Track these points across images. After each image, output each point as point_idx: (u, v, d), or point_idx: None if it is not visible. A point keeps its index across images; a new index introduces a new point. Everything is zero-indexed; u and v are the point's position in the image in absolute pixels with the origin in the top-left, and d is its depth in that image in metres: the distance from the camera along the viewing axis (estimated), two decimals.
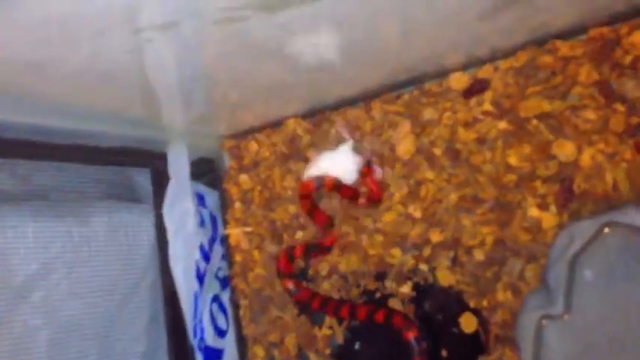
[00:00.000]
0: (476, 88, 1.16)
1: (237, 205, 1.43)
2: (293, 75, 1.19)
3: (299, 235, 1.34)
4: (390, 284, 1.23)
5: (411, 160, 1.23)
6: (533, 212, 1.10)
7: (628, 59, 1.04)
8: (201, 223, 1.38)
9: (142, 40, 0.88)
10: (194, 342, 1.30)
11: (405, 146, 1.23)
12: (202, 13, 0.83)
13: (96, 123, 1.16)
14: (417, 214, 1.21)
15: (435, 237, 1.19)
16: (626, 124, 1.04)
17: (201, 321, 1.32)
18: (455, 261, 1.18)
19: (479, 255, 1.14)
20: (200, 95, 1.19)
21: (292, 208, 1.35)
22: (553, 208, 1.08)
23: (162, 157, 1.33)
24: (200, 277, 1.33)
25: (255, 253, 1.40)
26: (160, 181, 1.33)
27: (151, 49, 0.92)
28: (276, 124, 1.38)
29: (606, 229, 0.98)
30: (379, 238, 1.24)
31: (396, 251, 1.22)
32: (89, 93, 1.01)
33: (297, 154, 1.36)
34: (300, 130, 1.35)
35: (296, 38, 1.02)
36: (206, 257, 1.36)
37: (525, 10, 1.01)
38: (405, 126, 1.24)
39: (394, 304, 1.22)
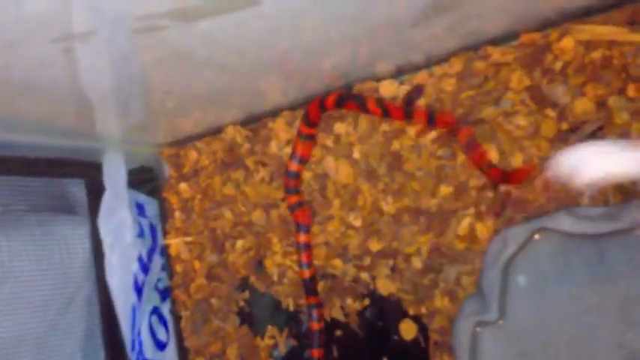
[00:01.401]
0: (414, 95, 1.16)
1: (178, 214, 1.40)
2: (228, 82, 1.17)
3: (239, 244, 1.33)
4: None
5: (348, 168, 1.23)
6: (468, 220, 1.10)
7: (558, 65, 1.05)
8: (140, 234, 1.35)
9: (59, 49, 0.85)
10: (132, 356, 1.27)
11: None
12: (120, 22, 0.81)
13: (23, 133, 1.12)
14: (357, 223, 1.21)
15: (374, 246, 1.19)
16: (557, 130, 1.05)
17: (139, 334, 1.30)
18: (394, 269, 1.18)
19: (417, 263, 1.14)
20: (135, 104, 1.16)
21: (231, 216, 1.34)
22: (487, 216, 1.09)
23: (97, 167, 1.29)
24: (138, 289, 1.30)
25: (196, 263, 1.38)
26: (96, 192, 1.29)
27: (73, 58, 0.90)
28: (216, 132, 1.36)
29: (537, 235, 0.99)
30: (323, 250, 1.24)
31: (338, 262, 1.22)
32: (8, 104, 0.98)
33: (237, 161, 1.34)
34: (239, 138, 1.33)
35: (223, 47, 1.01)
36: (145, 269, 1.33)
37: (456, 16, 1.01)
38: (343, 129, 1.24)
39: (337, 314, 1.23)
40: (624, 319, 0.93)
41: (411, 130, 1.15)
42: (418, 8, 0.97)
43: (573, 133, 1.03)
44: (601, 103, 1.02)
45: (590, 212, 0.96)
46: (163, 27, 0.82)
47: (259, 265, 1.31)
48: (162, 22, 0.81)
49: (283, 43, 1.03)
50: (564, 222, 0.96)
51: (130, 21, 0.80)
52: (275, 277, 1.28)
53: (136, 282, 1.29)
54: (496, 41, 1.11)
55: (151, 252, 1.37)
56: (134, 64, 0.99)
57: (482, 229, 1.09)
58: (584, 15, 1.04)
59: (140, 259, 1.32)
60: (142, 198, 1.41)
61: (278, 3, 0.87)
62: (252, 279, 1.31)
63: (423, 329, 1.15)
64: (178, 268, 1.39)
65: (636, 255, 0.92)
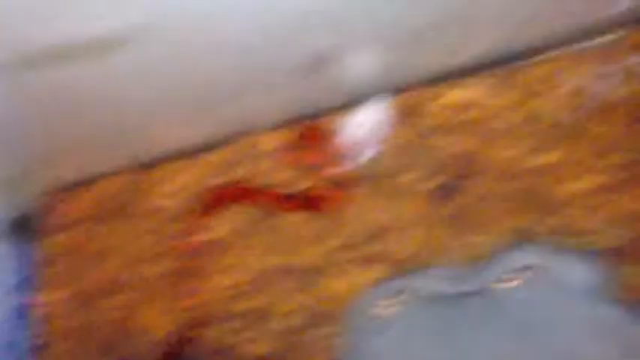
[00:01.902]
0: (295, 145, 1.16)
1: (54, 265, 1.34)
2: (111, 128, 1.16)
3: (114, 301, 1.28)
4: None
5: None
6: (338, 280, 1.09)
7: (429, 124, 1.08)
8: (8, 290, 1.29)
9: None
10: None
11: None
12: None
13: None
14: (228, 283, 1.18)
15: (245, 305, 1.16)
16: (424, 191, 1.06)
17: None
18: (264, 330, 1.14)
19: (286, 323, 1.12)
20: (7, 151, 1.13)
21: (108, 270, 1.29)
22: (356, 274, 1.08)
23: None
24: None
25: (65, 320, 1.31)
26: None
27: None
28: (97, 180, 1.33)
29: (393, 297, 0.98)
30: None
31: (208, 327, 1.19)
32: None
33: (119, 211, 1.31)
34: (121, 188, 1.31)
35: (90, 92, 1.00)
36: (11, 326, 1.27)
37: (337, 73, 1.04)
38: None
39: None
40: None
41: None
42: (298, 65, 1.00)
43: None
44: None
45: (444, 274, 0.96)
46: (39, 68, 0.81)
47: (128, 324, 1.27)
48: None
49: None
50: (419, 283, 0.96)
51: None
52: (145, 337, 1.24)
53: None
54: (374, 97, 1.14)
55: (19, 308, 1.31)
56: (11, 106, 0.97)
57: (352, 289, 1.07)
58: (453, 78, 1.07)
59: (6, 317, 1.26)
60: (15, 250, 1.36)
61: None
62: (121, 338, 1.27)
63: None
64: (49, 324, 1.32)
65: (485, 317, 0.91)
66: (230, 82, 1.06)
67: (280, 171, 1.16)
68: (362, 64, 1.04)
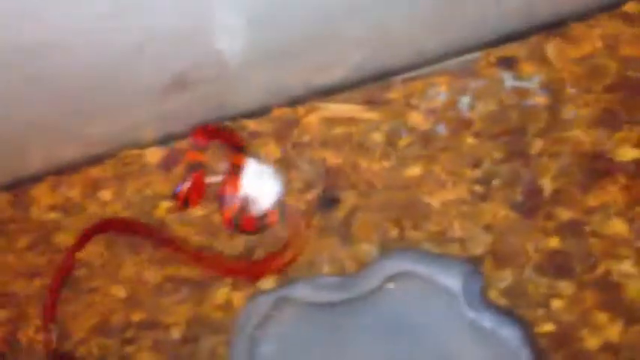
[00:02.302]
0: (171, 160, 1.18)
1: None
2: None
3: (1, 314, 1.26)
4: None
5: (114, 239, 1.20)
6: (225, 289, 1.12)
7: (305, 138, 1.12)
8: None
9: None
10: None
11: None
12: None
13: None
14: (121, 295, 1.19)
15: (137, 317, 1.17)
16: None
17: None
18: (156, 341, 1.16)
19: (176, 333, 1.14)
20: None
21: None
22: (242, 286, 1.11)
23: None
24: None
25: None
26: None
27: None
28: None
29: (279, 305, 1.02)
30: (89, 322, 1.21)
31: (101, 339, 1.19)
32: None
33: None
34: (0, 203, 1.28)
35: None
36: None
37: (203, 91, 1.06)
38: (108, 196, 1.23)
39: None
40: None
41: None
42: (160, 83, 1.01)
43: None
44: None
45: (326, 282, 1.01)
46: None
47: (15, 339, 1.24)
48: None
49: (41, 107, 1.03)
50: (303, 291, 1.00)
51: None
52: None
53: None
54: (253, 115, 1.16)
55: None
56: None
57: (239, 298, 1.12)
58: (328, 93, 1.12)
59: None
60: None
61: None
62: (8, 355, 1.24)
63: None
64: None
65: (365, 321, 0.98)
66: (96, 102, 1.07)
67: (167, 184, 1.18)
68: (236, 80, 1.08)
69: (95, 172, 1.23)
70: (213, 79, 1.05)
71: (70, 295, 1.20)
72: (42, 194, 1.25)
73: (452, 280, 0.93)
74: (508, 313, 0.94)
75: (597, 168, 0.97)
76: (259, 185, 1.11)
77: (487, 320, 0.91)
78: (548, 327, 0.96)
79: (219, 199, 1.11)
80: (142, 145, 1.21)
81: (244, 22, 0.95)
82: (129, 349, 1.17)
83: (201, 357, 1.12)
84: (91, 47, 0.92)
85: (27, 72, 0.94)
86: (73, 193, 1.23)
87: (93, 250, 1.20)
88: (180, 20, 0.91)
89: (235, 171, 1.11)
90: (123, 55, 0.96)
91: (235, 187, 1.10)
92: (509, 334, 0.90)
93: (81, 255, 1.20)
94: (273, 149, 1.13)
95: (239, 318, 1.05)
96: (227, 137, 1.15)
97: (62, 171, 1.25)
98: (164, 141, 1.20)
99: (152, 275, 1.17)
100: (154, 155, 1.20)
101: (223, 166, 1.13)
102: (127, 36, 0.92)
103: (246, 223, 1.10)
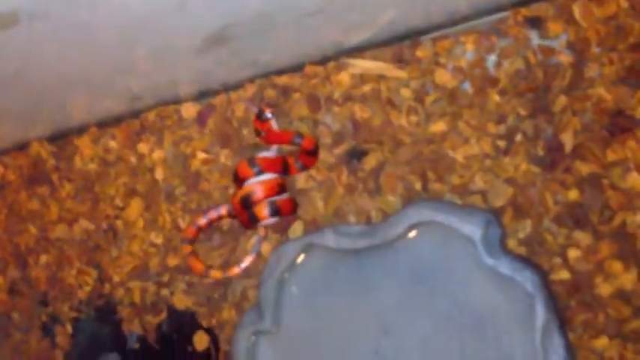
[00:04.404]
0: (205, 116, 1.23)
1: None
2: (32, 97, 1.19)
3: (43, 258, 1.33)
4: None
5: (152, 189, 1.27)
6: (255, 237, 1.17)
7: (337, 94, 1.16)
8: None
9: None
10: None
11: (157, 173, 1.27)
12: None
13: None
14: (158, 241, 1.25)
15: (172, 261, 1.24)
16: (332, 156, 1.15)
17: None
18: (190, 284, 1.23)
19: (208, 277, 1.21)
20: None
21: (35, 231, 1.34)
22: (272, 235, 1.17)
23: None
24: None
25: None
26: None
27: None
28: (22, 147, 1.36)
29: (307, 250, 1.08)
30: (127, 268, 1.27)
31: (136, 282, 1.26)
32: None
33: (42, 177, 1.35)
34: (45, 153, 1.34)
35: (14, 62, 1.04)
36: None
37: (238, 47, 1.10)
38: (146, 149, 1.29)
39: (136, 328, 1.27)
40: (380, 327, 1.04)
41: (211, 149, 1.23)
42: (198, 39, 1.05)
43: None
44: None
45: (352, 230, 1.06)
46: None
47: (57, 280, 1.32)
48: None
49: (84, 60, 1.07)
50: (329, 239, 1.06)
51: None
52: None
53: None
54: (285, 71, 1.20)
55: None
56: None
57: (266, 246, 1.17)
58: (358, 51, 1.16)
59: None
60: None
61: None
62: (53, 293, 1.32)
63: (214, 340, 1.21)
64: None
65: (388, 268, 1.03)
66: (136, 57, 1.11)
67: (202, 138, 1.24)
68: (266, 40, 1.11)
69: (134, 125, 1.29)
70: (248, 36, 1.09)
71: (111, 242, 1.28)
72: (84, 145, 1.32)
73: (472, 228, 0.97)
74: (525, 261, 0.98)
75: (618, 124, 1.00)
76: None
77: (505, 267, 0.95)
78: (564, 275, 1.00)
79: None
80: (179, 100, 1.26)
81: None
82: (164, 291, 1.25)
83: (231, 300, 1.19)
84: (135, 1, 0.97)
85: (73, 22, 0.97)
86: (114, 144, 1.30)
87: (133, 204, 1.27)
88: None
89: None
90: (164, 10, 0.99)
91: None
92: (525, 279, 0.94)
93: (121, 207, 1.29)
94: (303, 105, 1.18)
95: (268, 262, 1.10)
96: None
97: (104, 123, 1.31)
98: (200, 97, 1.26)
99: (185, 223, 1.23)
100: (189, 110, 1.25)
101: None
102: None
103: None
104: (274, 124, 1.15)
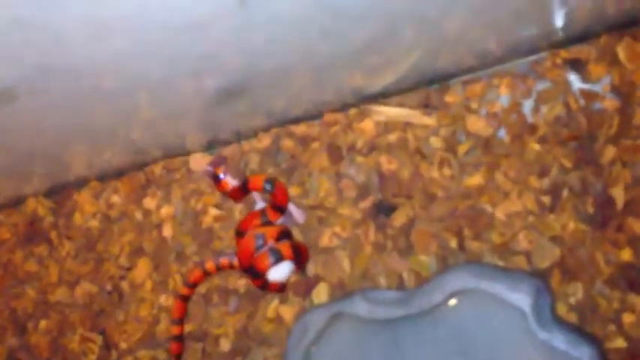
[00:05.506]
0: (216, 163, 1.12)
1: None
2: (28, 150, 1.11)
3: (43, 324, 1.24)
4: None
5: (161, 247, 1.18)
6: (276, 302, 1.08)
7: (360, 143, 1.08)
8: None
9: None
10: None
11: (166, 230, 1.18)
12: None
13: None
14: (169, 304, 1.15)
15: (185, 327, 1.14)
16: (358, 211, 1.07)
17: None
18: (204, 352, 1.13)
19: (225, 345, 1.11)
20: None
21: (34, 294, 1.24)
22: (293, 299, 1.08)
23: None
24: None
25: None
26: None
27: None
28: (16, 203, 1.27)
29: (335, 320, 0.99)
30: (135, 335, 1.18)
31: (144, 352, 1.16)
32: None
33: (40, 235, 1.25)
34: (42, 210, 1.25)
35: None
36: None
37: (253, 100, 1.02)
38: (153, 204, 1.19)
39: None
40: None
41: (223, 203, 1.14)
42: (211, 94, 0.97)
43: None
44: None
45: (385, 297, 0.97)
46: None
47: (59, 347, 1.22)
48: None
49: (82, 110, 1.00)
50: (360, 307, 0.96)
51: None
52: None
53: None
54: (302, 120, 1.12)
55: None
56: None
57: (288, 312, 1.08)
58: (381, 97, 1.07)
59: None
60: None
61: None
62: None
63: None
64: None
65: (426, 340, 0.94)
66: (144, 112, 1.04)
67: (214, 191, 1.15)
68: (283, 88, 1.04)
69: (139, 178, 1.20)
70: (264, 88, 1.01)
71: (117, 305, 1.19)
72: (84, 201, 1.23)
73: (520, 297, 0.88)
74: (579, 332, 0.89)
75: None
76: None
77: (559, 340, 0.86)
78: (619, 343, 0.92)
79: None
80: (187, 152, 1.18)
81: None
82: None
83: None
84: (143, 60, 0.89)
85: (84, 89, 0.92)
86: (117, 199, 1.21)
87: (140, 265, 1.18)
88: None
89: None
90: (176, 67, 0.92)
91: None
92: (582, 355, 0.85)
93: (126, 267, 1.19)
94: (324, 156, 1.09)
95: (293, 332, 1.01)
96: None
97: (106, 176, 1.22)
98: (210, 147, 1.17)
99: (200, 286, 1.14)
100: (199, 162, 1.16)
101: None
102: (182, 51, 0.88)
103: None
104: (232, 181, 1.07)
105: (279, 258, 1.02)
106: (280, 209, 1.06)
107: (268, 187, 1.06)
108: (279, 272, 1.02)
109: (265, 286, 1.05)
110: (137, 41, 0.84)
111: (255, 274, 1.04)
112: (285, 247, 1.02)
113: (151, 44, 0.85)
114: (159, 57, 0.88)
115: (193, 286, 1.12)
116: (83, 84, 0.91)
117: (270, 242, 1.02)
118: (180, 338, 1.12)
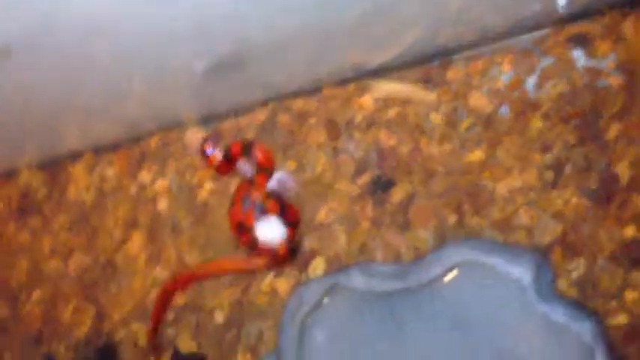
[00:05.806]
0: (211, 140, 1.12)
1: None
2: (20, 120, 1.09)
3: (35, 295, 1.22)
4: None
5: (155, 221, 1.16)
6: (270, 277, 1.07)
7: (359, 118, 1.06)
8: None
9: None
10: None
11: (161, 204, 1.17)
12: None
13: None
14: (163, 277, 1.14)
15: (178, 299, 1.13)
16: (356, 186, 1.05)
17: None
18: (198, 325, 1.12)
19: (219, 318, 1.10)
20: None
21: (27, 265, 1.23)
22: (289, 273, 1.06)
23: None
24: None
25: None
26: None
27: None
28: (10, 174, 1.26)
29: (331, 291, 0.98)
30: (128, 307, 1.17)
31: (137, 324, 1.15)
32: None
33: (33, 207, 1.24)
34: (36, 182, 1.23)
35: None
36: None
37: (249, 73, 1.01)
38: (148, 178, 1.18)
39: None
40: None
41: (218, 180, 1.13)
42: (206, 66, 0.97)
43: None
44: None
45: (382, 270, 0.95)
46: None
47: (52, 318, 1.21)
48: None
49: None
50: (357, 279, 0.95)
51: None
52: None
53: None
54: (301, 94, 1.10)
55: None
56: None
57: (283, 285, 1.07)
58: (381, 72, 1.06)
59: None
60: None
61: None
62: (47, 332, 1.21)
63: None
64: None
65: (423, 313, 0.93)
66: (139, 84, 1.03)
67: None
68: (280, 61, 1.02)
69: (134, 151, 1.19)
70: (261, 60, 1.00)
71: (110, 278, 1.18)
72: (78, 173, 1.21)
73: (521, 271, 0.87)
74: (581, 307, 0.88)
75: None
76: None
77: (559, 314, 0.85)
78: (621, 319, 0.90)
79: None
80: (184, 126, 1.16)
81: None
82: (169, 330, 1.13)
83: (245, 342, 1.08)
84: (137, 31, 0.88)
85: (77, 56, 0.91)
86: (112, 172, 1.20)
87: (134, 237, 1.17)
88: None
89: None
90: (170, 39, 0.91)
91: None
92: (583, 329, 0.84)
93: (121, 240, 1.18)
94: (322, 131, 1.08)
95: (288, 304, 1.00)
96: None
97: (100, 149, 1.21)
98: (206, 121, 1.15)
99: (193, 259, 1.13)
100: (193, 137, 1.14)
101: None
102: (174, 21, 0.87)
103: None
104: (219, 155, 1.06)
105: (263, 211, 1.01)
106: (266, 171, 1.04)
107: (247, 150, 1.05)
108: (268, 230, 1.01)
109: (254, 245, 1.03)
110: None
111: (243, 228, 1.02)
112: (270, 202, 1.01)
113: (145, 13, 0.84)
114: (152, 26, 0.88)
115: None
116: (79, 49, 0.90)
117: (258, 200, 1.02)
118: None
